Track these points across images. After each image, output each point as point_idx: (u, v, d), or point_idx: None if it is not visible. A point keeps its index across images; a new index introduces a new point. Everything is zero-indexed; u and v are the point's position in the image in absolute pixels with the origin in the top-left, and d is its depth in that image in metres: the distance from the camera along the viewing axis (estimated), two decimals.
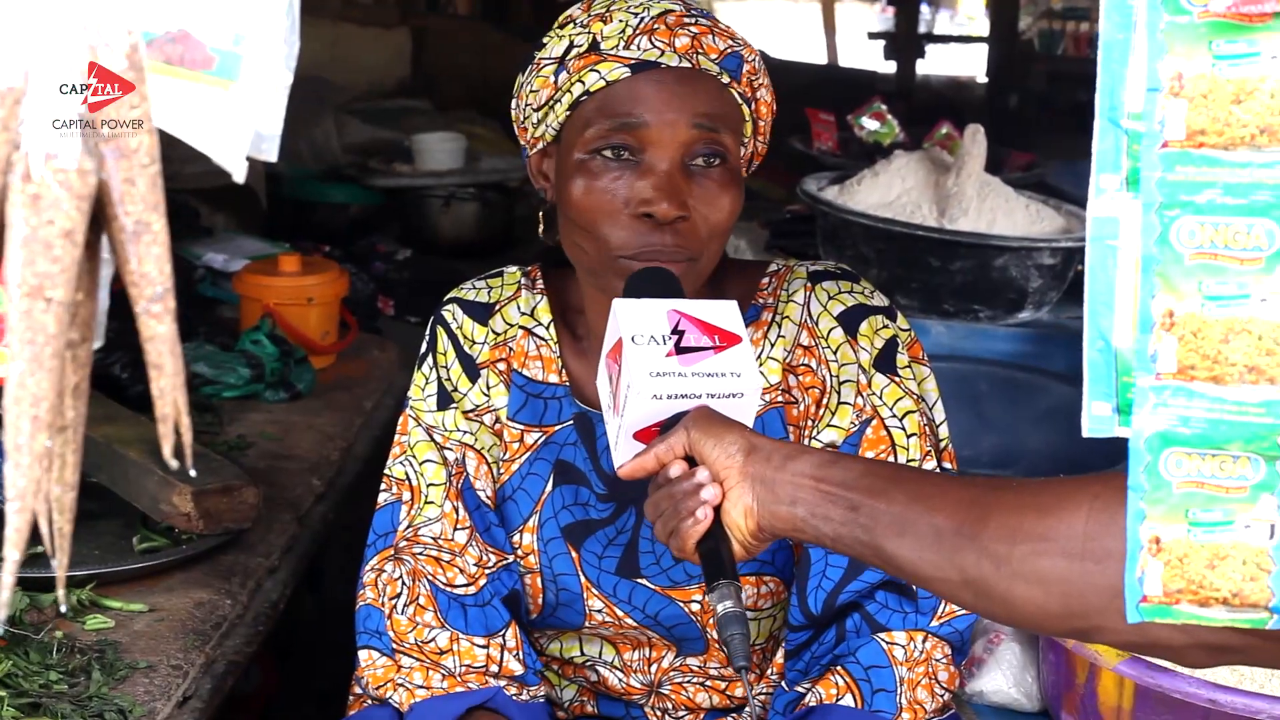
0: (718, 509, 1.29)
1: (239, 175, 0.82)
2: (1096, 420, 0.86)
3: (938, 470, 1.65)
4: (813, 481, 1.23)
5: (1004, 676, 1.98)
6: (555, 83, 1.59)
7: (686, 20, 1.58)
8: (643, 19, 1.57)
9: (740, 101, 1.60)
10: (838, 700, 1.57)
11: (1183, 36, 0.82)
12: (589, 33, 1.58)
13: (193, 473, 0.90)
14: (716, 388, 1.35)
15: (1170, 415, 0.84)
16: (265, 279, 3.01)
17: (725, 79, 1.58)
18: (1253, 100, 0.81)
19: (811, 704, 1.58)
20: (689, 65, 1.56)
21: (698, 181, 1.57)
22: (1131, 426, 0.85)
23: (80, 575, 1.92)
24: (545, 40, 1.63)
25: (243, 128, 0.82)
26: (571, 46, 1.59)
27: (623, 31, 1.57)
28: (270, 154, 0.83)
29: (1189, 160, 0.83)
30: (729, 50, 1.59)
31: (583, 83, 1.57)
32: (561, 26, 1.63)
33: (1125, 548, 1.00)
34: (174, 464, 0.82)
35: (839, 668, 1.59)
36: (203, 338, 2.89)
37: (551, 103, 1.60)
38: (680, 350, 1.36)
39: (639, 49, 1.55)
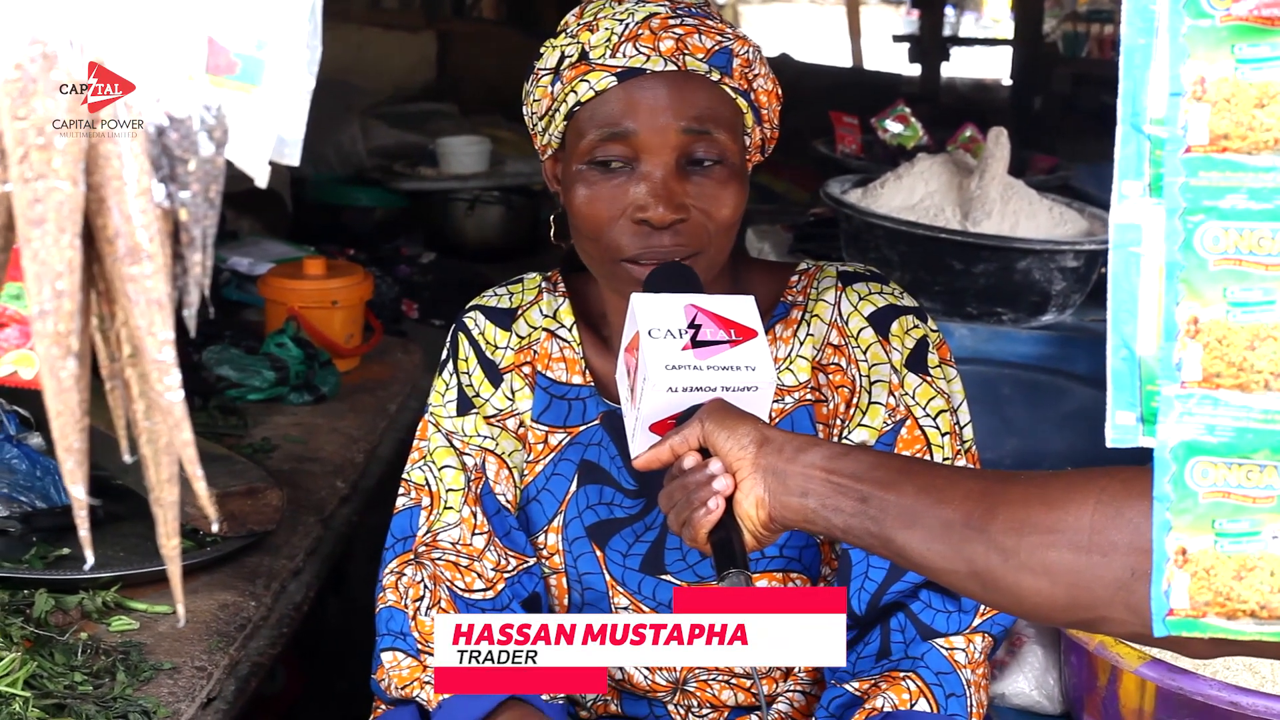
0: (730, 500, 1.30)
1: (261, 180, 0.83)
2: (1121, 430, 0.86)
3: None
4: (823, 473, 1.24)
5: (1026, 679, 1.97)
6: (552, 93, 1.61)
7: (672, 22, 1.58)
8: (628, 25, 1.58)
9: (735, 96, 1.60)
10: (912, 705, 1.58)
11: (1205, 40, 0.81)
12: (578, 42, 1.60)
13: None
14: (731, 381, 1.36)
15: (1196, 424, 0.83)
16: (290, 282, 3.02)
17: (716, 76, 1.58)
18: (1276, 104, 0.80)
19: (886, 709, 1.58)
20: (675, 68, 1.56)
21: (696, 182, 1.58)
22: (1156, 436, 0.84)
23: (105, 577, 1.93)
24: (542, 50, 1.64)
25: (265, 132, 0.82)
26: (563, 57, 1.60)
27: (608, 40, 1.58)
28: (292, 158, 0.83)
29: (1212, 165, 0.82)
30: (717, 47, 1.59)
31: (575, 93, 1.58)
32: (556, 36, 1.64)
33: (1131, 540, 0.99)
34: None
35: (912, 673, 1.60)
36: (228, 341, 2.91)
37: (550, 113, 1.62)
38: (696, 344, 1.38)
39: (624, 56, 1.56)
